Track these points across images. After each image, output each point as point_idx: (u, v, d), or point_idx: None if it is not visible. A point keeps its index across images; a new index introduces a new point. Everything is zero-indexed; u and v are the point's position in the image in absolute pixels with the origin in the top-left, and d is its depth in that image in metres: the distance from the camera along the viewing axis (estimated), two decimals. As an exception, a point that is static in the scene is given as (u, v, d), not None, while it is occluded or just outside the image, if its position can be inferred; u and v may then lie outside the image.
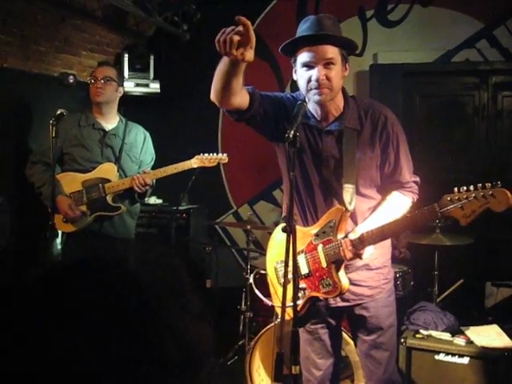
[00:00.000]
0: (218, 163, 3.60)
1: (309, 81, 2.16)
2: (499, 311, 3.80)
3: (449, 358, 3.01)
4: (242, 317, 3.78)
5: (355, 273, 2.31)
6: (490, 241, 4.26)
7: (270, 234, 2.53)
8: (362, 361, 2.46)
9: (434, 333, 3.16)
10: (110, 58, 4.77)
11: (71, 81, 4.34)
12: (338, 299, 2.32)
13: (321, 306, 2.36)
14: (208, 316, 0.64)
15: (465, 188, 1.94)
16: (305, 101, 2.16)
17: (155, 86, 4.83)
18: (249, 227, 3.77)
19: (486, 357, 2.95)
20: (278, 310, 2.26)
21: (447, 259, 3.66)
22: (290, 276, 1.98)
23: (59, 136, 3.11)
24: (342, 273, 2.19)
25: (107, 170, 3.46)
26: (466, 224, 1.96)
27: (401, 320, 3.14)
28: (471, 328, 3.22)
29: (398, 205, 2.25)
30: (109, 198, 3.44)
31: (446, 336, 3.12)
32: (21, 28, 3.81)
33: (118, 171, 3.48)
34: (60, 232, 3.54)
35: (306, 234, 2.27)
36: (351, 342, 2.95)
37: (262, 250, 4.27)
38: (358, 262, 2.27)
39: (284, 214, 2.38)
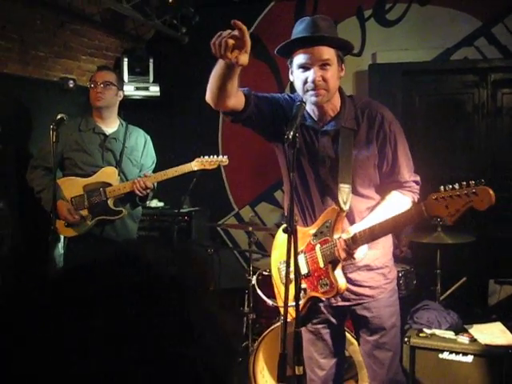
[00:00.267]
0: (219, 165, 3.61)
1: (305, 82, 2.16)
2: (502, 309, 3.79)
3: (453, 357, 3.01)
4: (245, 318, 3.78)
5: (356, 273, 2.31)
6: (493, 238, 4.26)
7: (272, 235, 2.54)
8: (366, 361, 2.45)
9: (437, 331, 3.16)
10: (109, 62, 4.78)
11: (71, 85, 4.35)
12: (339, 298, 2.32)
13: (322, 306, 2.36)
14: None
15: (450, 186, 1.93)
16: (304, 101, 2.16)
17: (155, 90, 4.84)
18: (250, 229, 3.77)
19: (489, 354, 2.94)
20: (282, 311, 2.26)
21: (450, 257, 3.66)
22: (292, 276, 1.98)
23: (59, 141, 3.12)
24: (338, 273, 2.20)
25: (108, 174, 3.47)
26: (452, 223, 1.95)
27: (404, 319, 3.14)
28: (475, 326, 3.21)
29: (397, 204, 2.24)
30: (110, 202, 3.44)
31: (450, 334, 3.12)
32: (20, 33, 3.82)
33: (118, 175, 3.49)
34: (62, 237, 3.55)
35: (305, 234, 2.27)
36: (355, 342, 2.94)
37: (264, 251, 4.27)
38: (359, 262, 2.27)
39: (286, 215, 2.39)
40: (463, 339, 3.05)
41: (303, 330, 2.36)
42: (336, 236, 2.18)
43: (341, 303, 2.34)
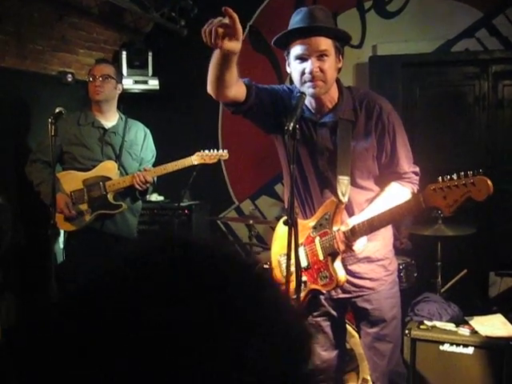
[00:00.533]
0: (219, 159, 3.60)
1: (302, 73, 2.15)
2: (503, 301, 3.79)
3: (453, 349, 3.01)
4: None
5: (356, 265, 2.30)
6: (493, 230, 4.26)
7: (273, 228, 2.54)
8: (367, 353, 2.45)
9: (438, 323, 3.15)
10: (107, 55, 4.75)
11: (69, 79, 4.33)
12: (339, 291, 2.32)
13: (323, 298, 2.36)
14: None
15: (448, 177, 1.92)
16: (304, 93, 2.15)
17: (154, 83, 4.81)
18: (251, 222, 3.77)
19: (490, 346, 2.94)
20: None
21: (450, 250, 3.65)
22: (292, 269, 1.98)
23: (58, 134, 3.10)
24: (338, 265, 2.19)
25: (108, 168, 3.46)
26: (449, 214, 1.94)
27: (405, 311, 3.14)
28: (475, 318, 3.21)
29: (396, 196, 2.23)
30: (110, 196, 3.44)
31: (451, 326, 3.12)
32: (17, 27, 3.80)
33: (118, 169, 3.48)
34: (62, 231, 3.54)
35: (304, 226, 2.27)
36: (356, 335, 2.95)
37: (264, 244, 4.27)
38: (359, 254, 2.26)
39: (286, 207, 2.38)
40: (464, 331, 3.05)
41: (304, 322, 2.36)
42: (335, 228, 2.18)
43: (341, 295, 2.34)
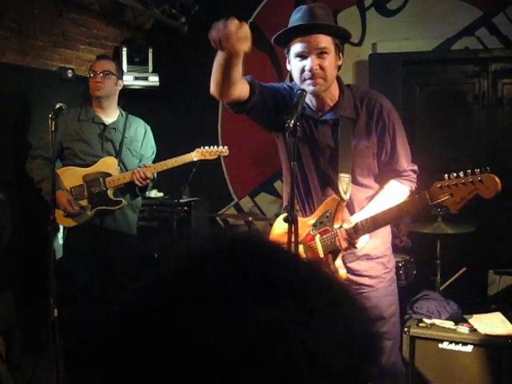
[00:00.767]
0: (219, 156, 3.60)
1: (302, 71, 2.15)
2: (502, 299, 3.80)
3: (452, 346, 3.01)
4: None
5: (355, 262, 2.31)
6: (493, 229, 4.26)
7: (272, 225, 2.53)
8: (366, 350, 2.46)
9: (437, 321, 3.16)
10: (108, 51, 4.74)
11: (70, 75, 4.32)
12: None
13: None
14: None
15: (455, 174, 1.92)
16: (304, 90, 2.15)
17: (154, 79, 4.81)
18: (250, 219, 3.77)
19: (489, 344, 2.95)
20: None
21: (449, 248, 3.66)
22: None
23: (59, 130, 3.10)
24: (338, 263, 2.20)
25: (108, 164, 3.46)
26: (456, 211, 1.94)
27: (404, 309, 3.14)
28: (474, 316, 3.22)
29: (396, 193, 2.24)
30: (110, 192, 3.44)
31: (450, 324, 3.13)
32: (18, 23, 3.79)
33: (118, 165, 3.48)
34: (61, 227, 3.54)
35: (304, 224, 2.27)
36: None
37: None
38: (359, 252, 2.27)
39: (285, 204, 2.38)
40: (463, 329, 3.05)
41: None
42: (336, 226, 2.18)
43: (341, 293, 2.34)
